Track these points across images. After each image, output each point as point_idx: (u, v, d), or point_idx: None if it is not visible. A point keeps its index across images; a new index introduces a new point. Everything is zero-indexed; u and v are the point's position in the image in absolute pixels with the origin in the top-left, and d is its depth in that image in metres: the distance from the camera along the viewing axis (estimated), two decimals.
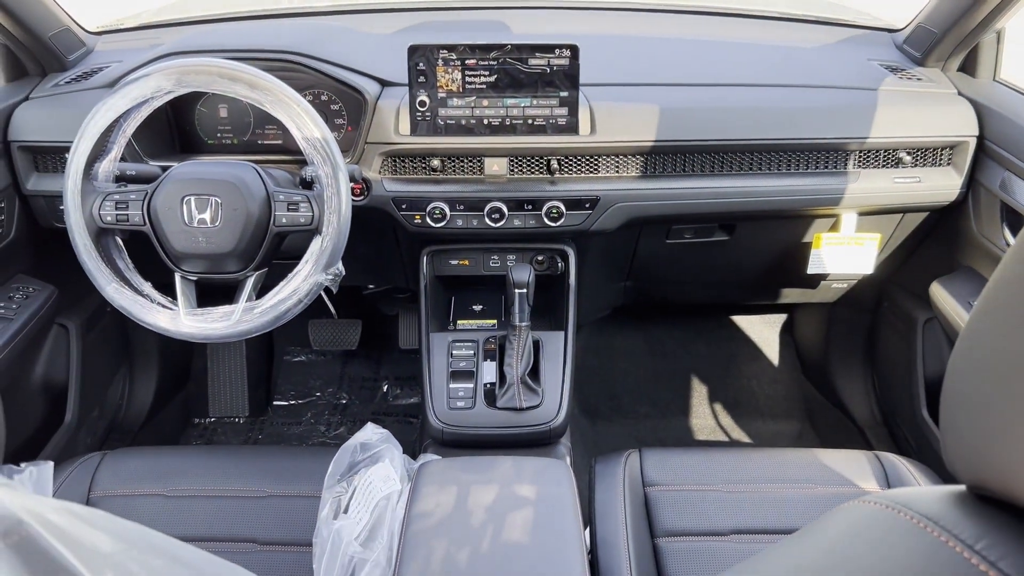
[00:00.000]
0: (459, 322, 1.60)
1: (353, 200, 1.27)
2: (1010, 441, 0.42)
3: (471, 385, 1.42)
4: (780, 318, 2.38)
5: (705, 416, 2.23)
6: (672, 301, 2.24)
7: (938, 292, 1.55)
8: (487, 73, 1.38)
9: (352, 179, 1.33)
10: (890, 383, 1.95)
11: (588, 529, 1.17)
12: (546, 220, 1.45)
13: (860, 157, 1.50)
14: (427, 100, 1.39)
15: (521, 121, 1.40)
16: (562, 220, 1.45)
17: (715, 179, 1.49)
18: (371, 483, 1.15)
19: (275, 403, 2.31)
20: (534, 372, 1.43)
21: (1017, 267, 0.43)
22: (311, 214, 1.20)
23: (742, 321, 2.39)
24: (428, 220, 1.45)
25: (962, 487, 0.49)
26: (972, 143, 1.49)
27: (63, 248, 1.28)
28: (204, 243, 1.20)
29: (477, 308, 1.62)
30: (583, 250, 1.58)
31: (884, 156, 1.50)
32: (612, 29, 1.80)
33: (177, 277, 1.25)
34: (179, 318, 1.23)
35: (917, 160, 1.51)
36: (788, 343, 2.36)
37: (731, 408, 2.24)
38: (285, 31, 1.67)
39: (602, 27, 1.83)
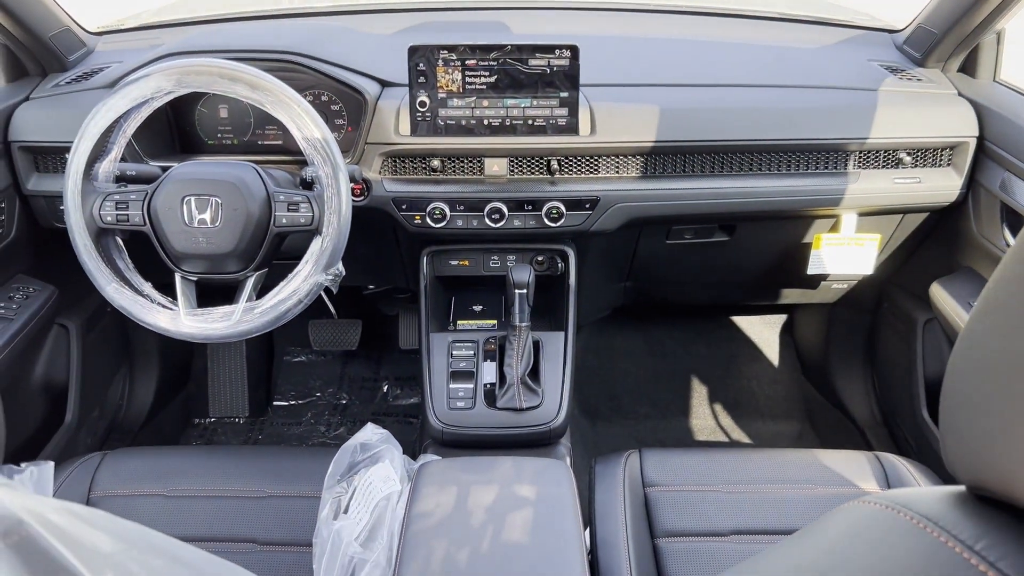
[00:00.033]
0: (459, 322, 1.60)
1: (353, 200, 1.27)
2: (1010, 441, 0.42)
3: (471, 385, 1.42)
4: (780, 319, 2.38)
5: (705, 416, 2.23)
6: (672, 301, 2.24)
7: (938, 293, 1.55)
8: (487, 73, 1.38)
9: (352, 179, 1.33)
10: (890, 384, 1.95)
11: (588, 529, 1.17)
12: (546, 220, 1.45)
13: (860, 158, 1.50)
14: (427, 100, 1.39)
15: (521, 121, 1.40)
16: (562, 220, 1.46)
17: (715, 180, 1.49)
18: (371, 483, 1.16)
19: (275, 403, 2.31)
20: (534, 372, 1.43)
21: (1017, 267, 0.43)
22: (311, 214, 1.20)
23: (742, 322, 2.39)
24: (428, 220, 1.45)
25: (962, 487, 0.49)
26: (972, 144, 1.49)
27: (63, 248, 1.28)
28: (204, 243, 1.20)
29: (477, 308, 1.62)
30: (583, 250, 1.58)
31: (884, 157, 1.50)
32: (612, 30, 1.80)
33: (177, 277, 1.25)
34: (179, 318, 1.23)
35: (917, 161, 1.51)
36: (788, 344, 2.36)
37: (731, 408, 2.24)
38: (285, 31, 1.67)
39: (602, 28, 1.83)
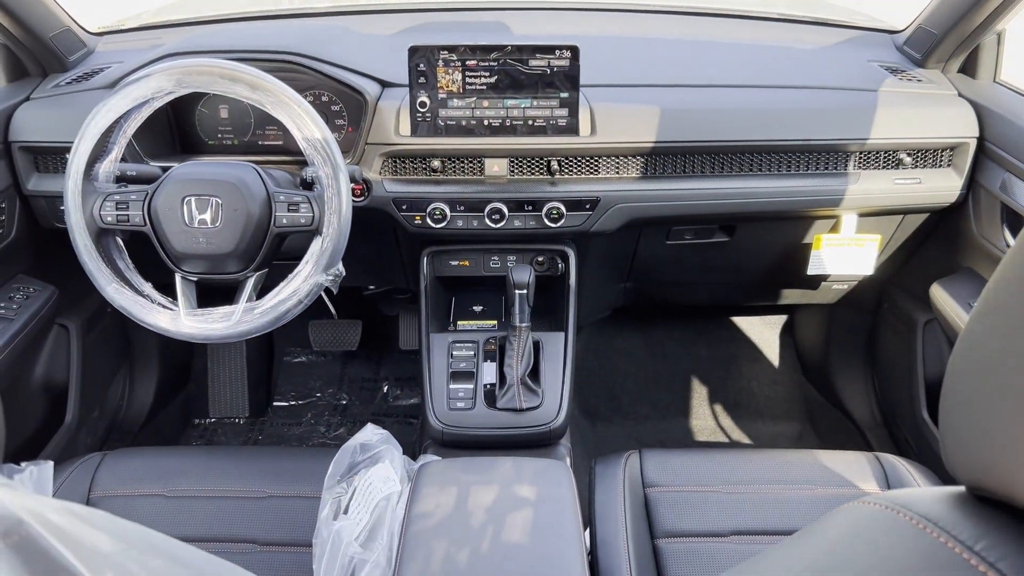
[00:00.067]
0: (459, 323, 1.60)
1: (353, 201, 1.27)
2: (1010, 442, 0.42)
3: (471, 386, 1.42)
4: (780, 319, 2.38)
5: (705, 417, 2.23)
6: (672, 302, 2.24)
7: (938, 293, 1.55)
8: (487, 74, 1.38)
9: (352, 180, 1.33)
10: (890, 384, 1.95)
11: (588, 530, 1.17)
12: (546, 221, 1.45)
13: (860, 158, 1.50)
14: (427, 101, 1.39)
15: (521, 122, 1.40)
16: (562, 221, 1.46)
17: (715, 180, 1.49)
18: (371, 484, 1.16)
19: (275, 404, 2.31)
20: (534, 373, 1.43)
21: (1017, 268, 0.43)
22: (311, 215, 1.21)
23: (742, 322, 2.39)
24: (428, 221, 1.45)
25: (962, 488, 0.49)
26: (972, 144, 1.49)
27: (63, 248, 1.28)
28: (204, 243, 1.20)
29: (477, 309, 1.62)
30: (583, 251, 1.58)
31: (884, 157, 1.50)
32: (613, 30, 1.80)
33: (177, 277, 1.25)
34: (179, 318, 1.23)
35: (917, 161, 1.51)
36: (788, 344, 2.35)
37: (731, 409, 2.23)
38: (286, 32, 1.67)
39: (603, 28, 1.83)
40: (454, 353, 1.46)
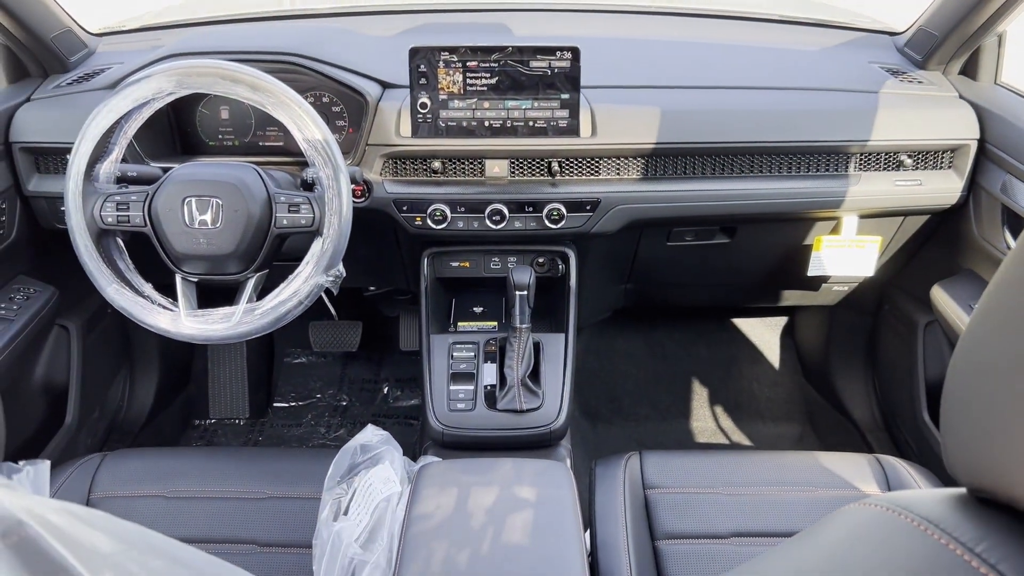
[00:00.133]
0: (460, 324, 1.60)
1: (354, 202, 1.27)
2: (1011, 443, 0.42)
3: (471, 387, 1.42)
4: (781, 321, 2.38)
5: (706, 418, 2.23)
6: (673, 303, 2.24)
7: (939, 295, 1.55)
8: (488, 75, 1.38)
9: (353, 181, 1.33)
10: (891, 386, 1.95)
11: (588, 531, 1.16)
12: (547, 222, 1.45)
13: (861, 160, 1.50)
14: (428, 102, 1.39)
15: (522, 123, 1.40)
16: (563, 222, 1.45)
17: (716, 182, 1.49)
18: (371, 485, 1.15)
19: (275, 405, 2.31)
20: (534, 374, 1.43)
21: (1018, 270, 0.43)
22: (312, 216, 1.20)
23: (743, 323, 2.39)
24: (429, 222, 1.45)
25: (963, 490, 0.49)
26: (973, 146, 1.49)
27: (64, 249, 1.28)
28: (205, 244, 1.20)
29: (478, 310, 1.62)
30: (584, 252, 1.58)
31: (885, 159, 1.50)
32: (613, 32, 1.80)
33: (178, 278, 1.25)
34: (180, 319, 1.23)
35: (918, 163, 1.51)
36: (789, 346, 2.35)
37: (732, 411, 2.23)
38: (287, 33, 1.67)
39: (603, 30, 1.83)
40: (454, 354, 1.46)
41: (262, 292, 1.26)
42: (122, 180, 1.25)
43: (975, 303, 1.45)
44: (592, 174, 1.46)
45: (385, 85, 1.48)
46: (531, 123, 1.40)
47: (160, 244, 1.22)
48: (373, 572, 1.04)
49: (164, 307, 1.25)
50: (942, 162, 1.52)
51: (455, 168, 1.45)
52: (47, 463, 1.21)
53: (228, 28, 1.84)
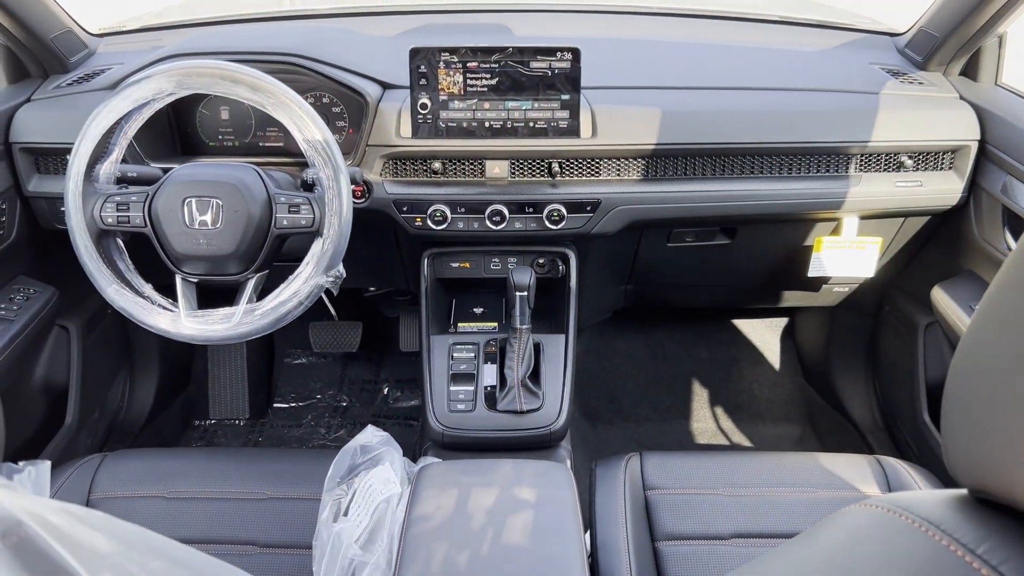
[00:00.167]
0: (460, 325, 1.59)
1: (354, 202, 1.27)
2: (1011, 445, 0.42)
3: (472, 388, 1.42)
4: (781, 322, 2.38)
5: (706, 419, 2.23)
6: (673, 304, 2.24)
7: (939, 296, 1.55)
8: (488, 76, 1.38)
9: (353, 181, 1.33)
10: (891, 387, 1.95)
11: (588, 532, 1.16)
12: (547, 223, 1.45)
13: (861, 161, 1.50)
14: (428, 103, 1.39)
15: (522, 124, 1.40)
16: (563, 223, 1.45)
17: (716, 183, 1.49)
18: (371, 486, 1.15)
19: (275, 405, 2.31)
20: (535, 375, 1.43)
21: (1018, 271, 0.43)
22: (312, 216, 1.20)
23: (743, 325, 2.39)
24: (429, 222, 1.45)
25: (963, 491, 0.49)
26: (974, 147, 1.49)
27: (64, 250, 1.28)
28: (205, 245, 1.20)
29: (478, 311, 1.62)
30: (584, 253, 1.58)
31: (886, 160, 1.50)
32: (614, 32, 1.81)
33: (178, 279, 1.25)
34: (180, 320, 1.23)
35: (919, 164, 1.51)
36: (789, 347, 2.35)
37: (732, 412, 2.23)
38: (287, 34, 1.67)
39: (604, 30, 1.83)
40: (454, 355, 1.46)
41: (262, 293, 1.26)
42: (122, 180, 1.25)
43: (976, 304, 1.45)
44: (592, 175, 1.46)
45: (385, 86, 1.48)
46: (531, 124, 1.40)
47: (160, 245, 1.22)
48: (373, 573, 1.04)
49: (164, 308, 1.25)
50: (943, 163, 1.52)
51: (455, 169, 1.45)
52: (47, 463, 1.21)
53: (228, 28, 1.84)
